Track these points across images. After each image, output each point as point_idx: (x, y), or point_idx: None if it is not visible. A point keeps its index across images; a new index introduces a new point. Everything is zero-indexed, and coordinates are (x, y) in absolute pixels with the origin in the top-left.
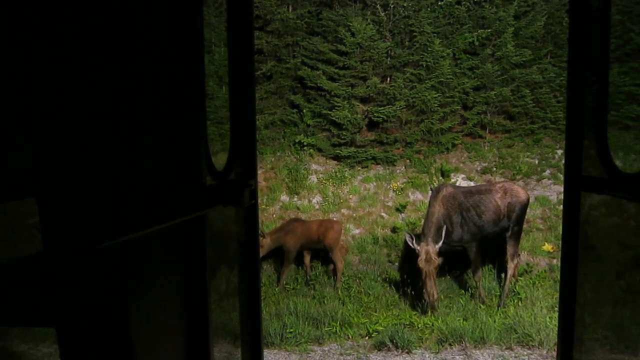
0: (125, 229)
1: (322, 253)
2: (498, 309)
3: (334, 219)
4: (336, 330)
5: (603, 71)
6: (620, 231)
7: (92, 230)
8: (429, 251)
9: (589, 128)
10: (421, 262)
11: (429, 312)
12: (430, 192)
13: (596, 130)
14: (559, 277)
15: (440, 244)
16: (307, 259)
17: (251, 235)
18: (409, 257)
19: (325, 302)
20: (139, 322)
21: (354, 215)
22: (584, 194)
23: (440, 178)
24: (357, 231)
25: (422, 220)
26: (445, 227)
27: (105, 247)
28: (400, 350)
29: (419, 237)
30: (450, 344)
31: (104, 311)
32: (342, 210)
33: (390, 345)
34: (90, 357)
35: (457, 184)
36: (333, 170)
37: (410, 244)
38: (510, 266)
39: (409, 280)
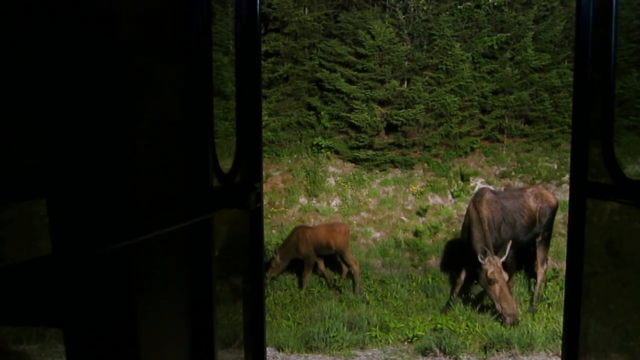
0: (132, 232)
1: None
2: (531, 314)
3: (340, 221)
4: (376, 335)
5: (609, 77)
6: (628, 237)
7: (100, 232)
8: (496, 264)
9: (595, 134)
10: (493, 275)
11: (511, 328)
12: (449, 195)
13: (602, 136)
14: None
15: (504, 258)
16: (321, 265)
17: (256, 237)
18: (450, 261)
19: (354, 306)
20: (145, 323)
21: (374, 218)
22: (589, 200)
23: (460, 182)
24: (378, 234)
25: (444, 224)
26: (510, 241)
27: (112, 250)
28: (447, 356)
29: (461, 244)
30: (497, 350)
31: (111, 313)
32: (362, 214)
33: (438, 351)
34: (96, 358)
35: (476, 188)
36: (351, 173)
37: (482, 261)
38: (541, 271)
39: (451, 280)
